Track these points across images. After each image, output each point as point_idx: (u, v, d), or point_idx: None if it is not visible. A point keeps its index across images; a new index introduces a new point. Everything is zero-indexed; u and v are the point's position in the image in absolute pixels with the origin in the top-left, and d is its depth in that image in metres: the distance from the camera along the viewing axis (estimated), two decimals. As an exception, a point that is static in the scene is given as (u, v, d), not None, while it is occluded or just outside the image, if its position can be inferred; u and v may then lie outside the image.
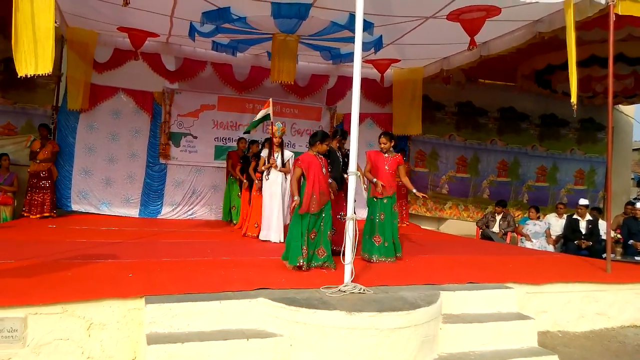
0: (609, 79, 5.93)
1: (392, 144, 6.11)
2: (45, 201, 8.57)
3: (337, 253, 5.89)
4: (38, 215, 8.43)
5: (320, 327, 3.51)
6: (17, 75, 4.23)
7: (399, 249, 6.03)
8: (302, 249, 5.00)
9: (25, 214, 8.45)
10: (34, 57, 4.27)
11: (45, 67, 4.30)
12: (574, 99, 5.59)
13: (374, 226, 5.92)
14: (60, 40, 9.05)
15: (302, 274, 4.82)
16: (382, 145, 6.05)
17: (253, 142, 8.69)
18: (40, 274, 4.18)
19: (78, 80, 9.03)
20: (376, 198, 5.98)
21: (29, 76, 4.26)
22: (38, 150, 8.57)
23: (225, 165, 9.68)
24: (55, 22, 7.85)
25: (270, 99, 7.37)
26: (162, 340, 3.35)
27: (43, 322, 3.42)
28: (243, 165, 8.53)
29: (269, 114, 7.30)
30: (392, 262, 5.80)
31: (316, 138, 5.35)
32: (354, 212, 4.32)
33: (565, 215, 9.35)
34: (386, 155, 6.05)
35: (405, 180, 6.28)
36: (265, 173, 7.25)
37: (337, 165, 6.03)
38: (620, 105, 12.80)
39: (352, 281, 4.14)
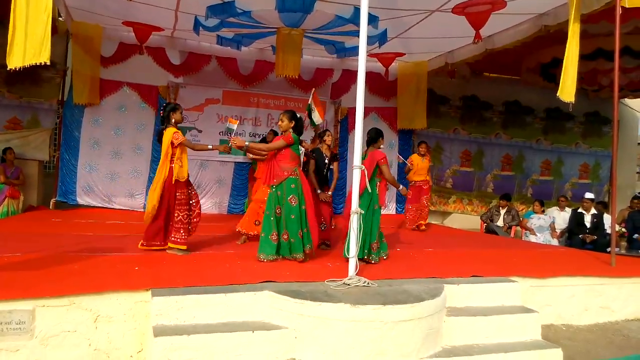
0: (614, 72, 5.91)
1: (292, 124, 5.14)
2: None
3: (328, 246, 5.99)
4: None
5: (324, 319, 3.53)
6: (16, 68, 4.25)
7: (307, 243, 5.09)
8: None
9: None
10: (23, 49, 4.27)
11: (36, 56, 4.29)
12: (568, 94, 5.64)
13: (270, 223, 5.08)
14: (65, 34, 9.09)
15: (305, 267, 4.84)
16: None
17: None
18: (47, 267, 4.21)
19: (83, 74, 9.06)
20: (271, 188, 5.20)
21: (19, 69, 4.26)
22: None
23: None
24: (60, 16, 7.97)
25: (313, 89, 6.62)
26: (168, 332, 3.38)
27: (50, 314, 3.46)
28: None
29: (309, 103, 6.49)
30: (301, 260, 5.05)
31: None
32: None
33: (567, 208, 9.34)
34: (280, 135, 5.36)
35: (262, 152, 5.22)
36: None
37: (322, 164, 6.19)
38: (625, 99, 12.74)
39: (356, 274, 4.15)
